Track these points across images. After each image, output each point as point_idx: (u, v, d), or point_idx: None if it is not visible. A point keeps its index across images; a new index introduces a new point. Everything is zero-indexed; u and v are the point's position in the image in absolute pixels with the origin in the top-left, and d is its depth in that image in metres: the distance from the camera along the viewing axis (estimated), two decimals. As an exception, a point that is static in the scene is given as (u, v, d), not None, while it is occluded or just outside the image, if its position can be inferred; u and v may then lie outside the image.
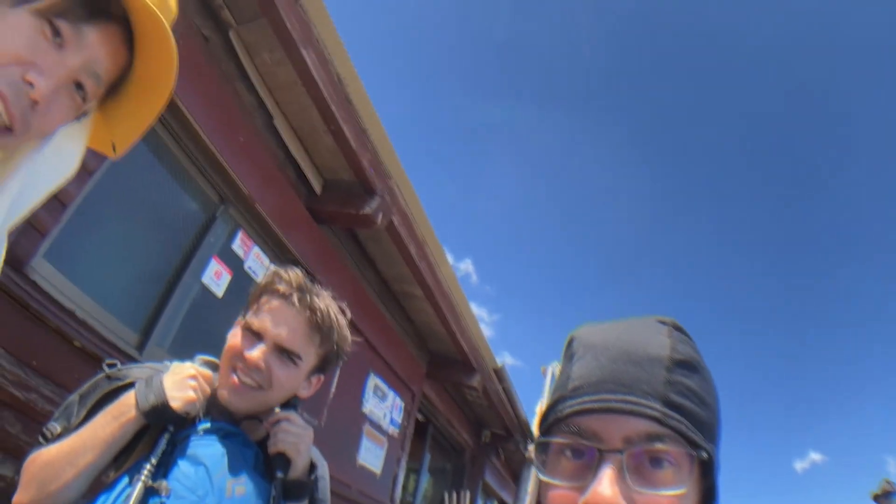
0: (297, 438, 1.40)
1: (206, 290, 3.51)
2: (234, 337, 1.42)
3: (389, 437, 6.08)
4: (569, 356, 0.78)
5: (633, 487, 0.63)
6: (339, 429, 5.09)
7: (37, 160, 0.88)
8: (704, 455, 0.66)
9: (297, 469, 1.40)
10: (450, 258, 5.89)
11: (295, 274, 1.47)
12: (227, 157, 3.44)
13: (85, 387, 1.40)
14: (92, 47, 0.84)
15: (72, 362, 2.64)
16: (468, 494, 8.95)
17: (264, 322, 1.40)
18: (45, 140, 0.89)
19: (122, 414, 1.26)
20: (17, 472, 1.28)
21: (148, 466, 1.20)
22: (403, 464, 6.66)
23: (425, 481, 8.47)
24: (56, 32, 0.79)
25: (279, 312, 1.41)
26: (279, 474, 1.36)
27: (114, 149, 1.02)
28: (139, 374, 1.40)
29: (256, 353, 1.37)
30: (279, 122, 4.05)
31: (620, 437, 0.65)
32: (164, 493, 1.18)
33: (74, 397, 1.38)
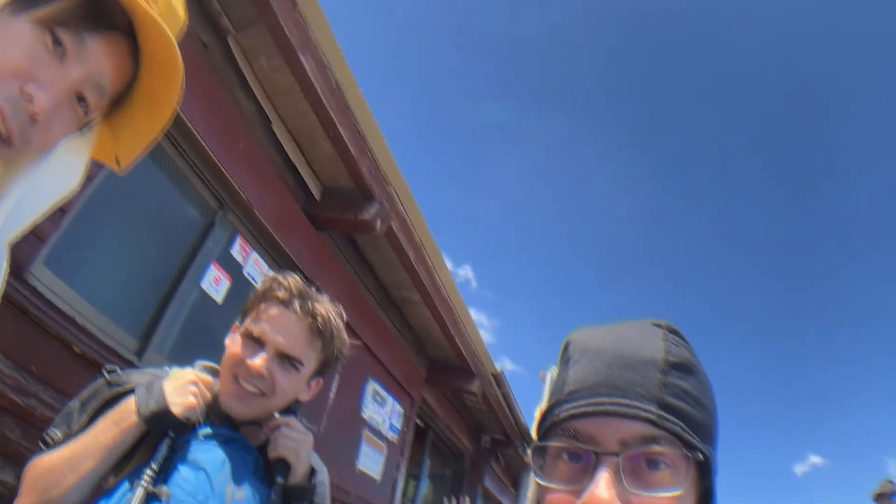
0: (296, 444, 1.40)
1: (205, 296, 3.51)
2: (235, 344, 1.43)
3: (389, 443, 6.07)
4: (565, 361, 0.78)
5: (629, 490, 0.63)
6: (339, 434, 5.08)
7: (38, 172, 0.85)
8: (700, 456, 0.66)
9: (297, 474, 1.40)
10: (449, 264, 5.89)
11: (294, 280, 1.48)
12: (226, 162, 3.45)
13: (85, 393, 1.40)
14: (95, 59, 0.80)
15: (71, 368, 2.64)
16: (468, 500, 8.94)
17: (265, 329, 1.40)
18: (47, 153, 0.85)
19: (122, 419, 1.26)
20: (18, 477, 1.28)
21: (149, 471, 1.20)
22: (403, 469, 6.65)
23: (425, 487, 8.46)
24: (57, 43, 0.76)
25: (280, 319, 1.42)
26: (279, 479, 1.37)
27: (118, 162, 0.99)
28: (139, 379, 1.40)
29: (259, 360, 1.37)
30: (278, 128, 4.06)
31: (616, 439, 0.66)
32: (164, 499, 1.19)
33: (75, 403, 1.39)
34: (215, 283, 3.56)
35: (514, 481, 12.04)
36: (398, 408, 6.25)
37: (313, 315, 1.44)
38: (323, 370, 1.54)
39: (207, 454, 1.31)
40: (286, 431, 1.41)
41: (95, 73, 0.81)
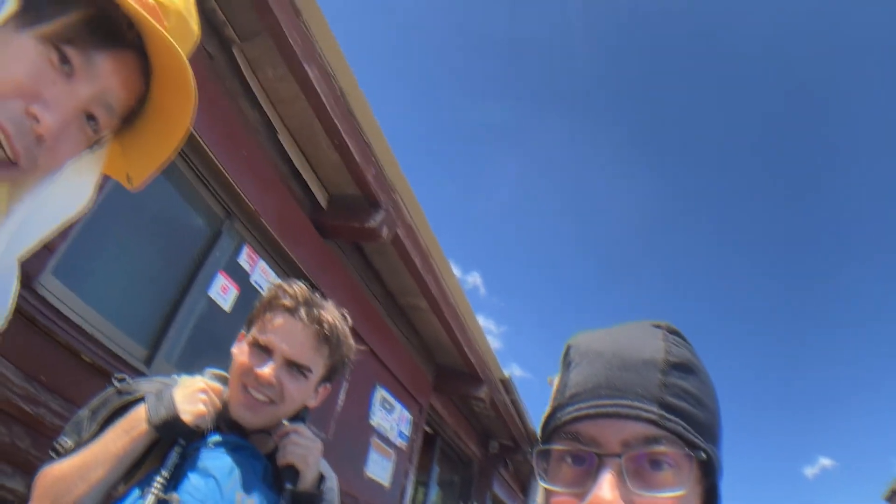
0: (305, 450, 1.41)
1: (212, 305, 3.52)
2: (242, 354, 1.43)
3: (397, 450, 6.06)
4: (566, 365, 0.79)
5: (632, 490, 0.63)
6: (347, 441, 5.08)
7: (47, 190, 0.82)
8: (703, 456, 0.66)
9: (307, 481, 1.40)
10: (457, 271, 5.91)
11: (299, 287, 1.48)
12: (232, 172, 3.46)
13: (95, 401, 1.41)
14: (104, 76, 0.77)
15: (80, 377, 2.65)
16: (477, 506, 8.92)
17: (272, 337, 1.41)
18: (56, 171, 0.82)
19: (133, 428, 1.27)
20: (28, 486, 1.29)
21: (159, 479, 1.21)
22: (412, 476, 6.64)
23: (434, 494, 8.44)
24: (64, 60, 0.73)
25: (287, 327, 1.42)
26: (288, 486, 1.37)
27: (129, 181, 0.96)
28: (149, 388, 1.41)
29: (268, 369, 1.38)
30: (283, 137, 4.07)
31: (618, 441, 0.66)
32: None
33: (85, 412, 1.39)
34: (223, 292, 3.58)
35: (523, 487, 12.01)
36: (406, 414, 6.25)
37: (319, 322, 1.44)
38: (330, 376, 1.55)
39: (217, 461, 1.32)
40: (295, 438, 1.41)
41: (105, 91, 0.78)
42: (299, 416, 1.52)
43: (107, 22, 0.76)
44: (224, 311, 3.58)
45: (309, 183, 4.41)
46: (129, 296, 3.09)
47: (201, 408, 1.32)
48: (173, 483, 1.24)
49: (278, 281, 1.55)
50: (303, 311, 1.44)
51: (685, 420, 0.68)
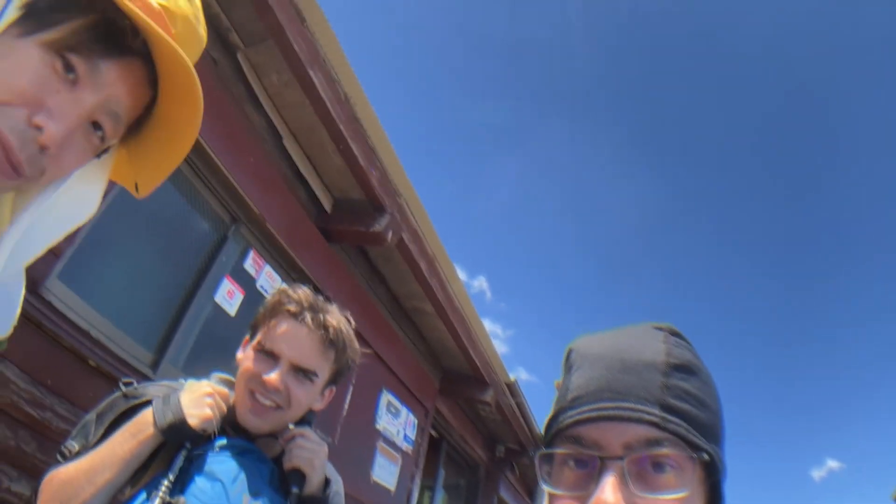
0: (311, 454, 1.41)
1: (218, 309, 3.53)
2: (248, 360, 1.44)
3: (403, 454, 6.06)
4: (567, 368, 0.79)
5: (635, 493, 0.63)
6: (353, 446, 5.08)
7: (53, 197, 0.81)
8: (706, 457, 0.66)
9: (312, 485, 1.41)
10: (463, 276, 5.91)
11: (304, 292, 1.49)
12: (238, 177, 3.47)
13: (102, 405, 1.42)
14: (110, 85, 0.76)
15: (86, 381, 2.66)
16: (483, 510, 8.90)
17: (278, 343, 1.41)
18: (62, 180, 0.81)
19: (139, 431, 1.28)
20: (34, 490, 1.29)
21: (166, 482, 1.21)
22: (417, 480, 6.63)
23: (440, 498, 8.42)
24: (69, 67, 0.72)
25: (292, 332, 1.43)
26: (294, 490, 1.37)
27: (137, 189, 0.94)
28: (156, 392, 1.41)
29: (275, 376, 1.38)
30: (288, 142, 4.08)
31: (620, 443, 0.66)
32: None
33: (91, 416, 1.40)
34: (229, 297, 3.59)
35: (530, 491, 11.98)
36: (412, 418, 6.24)
37: (325, 327, 1.45)
38: (336, 379, 1.55)
39: (223, 465, 1.32)
40: (301, 442, 1.41)
41: (110, 99, 0.77)
42: (305, 420, 1.53)
43: (111, 29, 0.75)
44: (230, 316, 3.59)
45: (314, 187, 4.42)
46: (135, 300, 3.10)
47: (208, 412, 1.32)
48: (179, 487, 1.25)
49: (282, 286, 1.55)
50: (308, 317, 1.44)
51: (687, 421, 0.67)
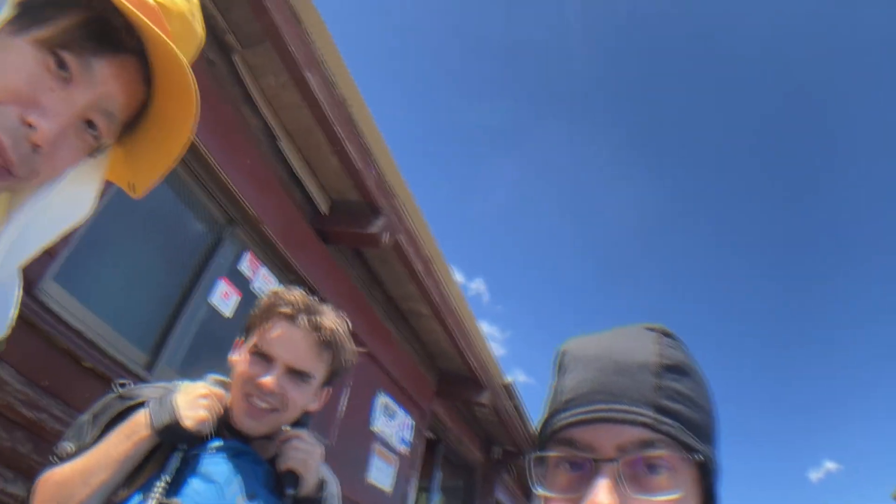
0: (307, 455, 1.41)
1: (214, 311, 3.52)
2: (243, 363, 1.43)
3: (399, 456, 6.05)
4: (560, 370, 0.78)
5: (629, 495, 0.63)
6: (349, 448, 5.08)
7: (47, 197, 0.80)
8: (700, 458, 0.66)
9: (308, 486, 1.41)
10: (461, 278, 5.92)
11: (298, 294, 1.49)
12: (234, 179, 3.47)
13: (97, 406, 1.42)
14: (103, 83, 0.75)
15: (81, 382, 2.65)
16: (479, 512, 8.89)
17: (273, 346, 1.41)
18: (56, 179, 0.80)
19: (134, 433, 1.28)
20: (29, 491, 1.29)
21: (161, 484, 1.22)
22: (414, 482, 6.62)
23: (436, 500, 8.42)
24: (62, 65, 0.70)
25: (287, 335, 1.43)
26: (289, 491, 1.37)
27: (133, 188, 0.93)
28: (151, 393, 1.41)
29: (270, 378, 1.38)
30: (285, 144, 4.08)
31: (614, 445, 0.66)
32: None
33: (86, 417, 1.40)
34: (224, 298, 3.58)
35: (527, 492, 11.97)
36: (409, 420, 6.24)
37: (319, 328, 1.45)
38: (332, 379, 1.55)
39: (219, 467, 1.32)
40: (296, 444, 1.41)
41: (104, 97, 0.76)
42: (301, 422, 1.53)
43: (106, 26, 0.74)
44: (225, 318, 3.59)
45: (310, 189, 4.42)
46: (130, 301, 3.10)
47: (203, 413, 1.32)
48: (175, 488, 1.25)
49: (276, 287, 1.55)
50: (303, 319, 1.44)
51: (680, 422, 0.67)
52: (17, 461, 2.40)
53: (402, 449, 6.12)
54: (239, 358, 1.47)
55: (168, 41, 0.73)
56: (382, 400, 5.67)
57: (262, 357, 1.41)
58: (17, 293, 0.90)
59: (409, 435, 6.26)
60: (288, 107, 3.87)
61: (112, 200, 2.76)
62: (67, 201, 0.85)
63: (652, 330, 0.77)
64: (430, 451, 7.81)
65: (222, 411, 1.41)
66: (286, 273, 4.18)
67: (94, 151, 0.82)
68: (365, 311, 5.21)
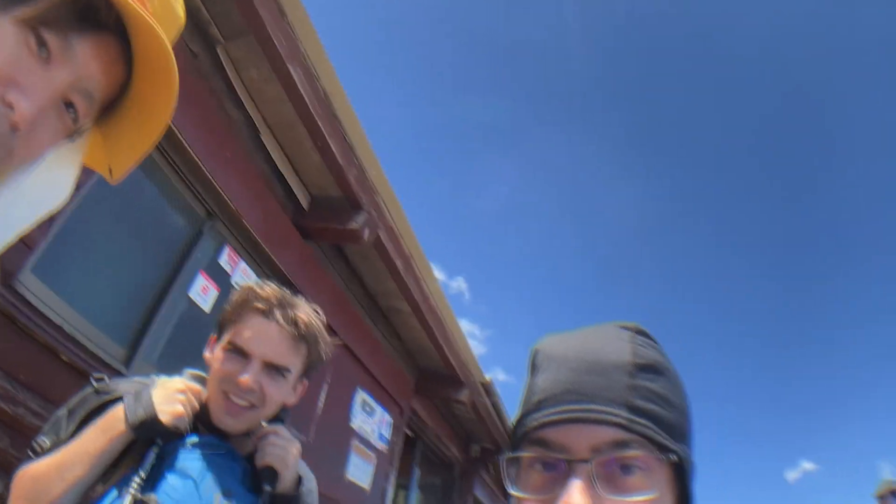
0: (284, 452, 1.41)
1: (193, 305, 3.50)
2: (219, 360, 1.42)
3: (378, 453, 6.05)
4: (533, 369, 0.78)
5: (603, 496, 0.63)
6: (328, 444, 5.07)
7: (24, 182, 0.78)
8: (674, 458, 0.66)
9: (285, 482, 1.40)
10: (442, 276, 5.93)
11: (271, 289, 1.48)
12: (215, 172, 3.45)
13: (73, 401, 1.40)
14: (83, 62, 0.73)
15: (59, 377, 2.63)
16: (457, 509, 8.91)
17: (249, 342, 1.40)
18: (33, 163, 0.78)
19: (110, 428, 1.27)
20: (7, 486, 1.28)
21: (137, 480, 1.21)
22: (392, 479, 6.62)
23: (415, 497, 8.43)
24: (42, 44, 0.69)
25: (263, 330, 1.42)
26: (267, 488, 1.37)
27: (111, 172, 0.90)
28: (127, 388, 1.40)
29: (249, 376, 1.37)
30: (266, 138, 4.06)
31: (587, 446, 0.66)
32: None
33: (63, 411, 1.39)
34: (203, 293, 3.56)
35: (505, 490, 12.00)
36: (387, 417, 6.24)
37: (295, 322, 1.44)
38: (308, 372, 1.55)
39: (195, 462, 1.31)
40: (273, 440, 1.41)
41: (83, 77, 0.74)
42: (278, 418, 1.52)
43: (86, 4, 0.72)
44: (204, 312, 3.57)
45: (291, 184, 4.41)
46: (108, 295, 3.08)
47: (179, 408, 1.31)
48: (151, 484, 1.24)
49: (247, 282, 1.54)
50: (277, 313, 1.44)
51: (654, 422, 0.67)
52: (-6, 456, 2.38)
53: (381, 446, 6.12)
54: (214, 355, 1.46)
55: (149, 20, 0.72)
56: (361, 397, 5.67)
57: (238, 353, 1.40)
58: None
59: (387, 432, 6.26)
60: (270, 100, 3.85)
61: (92, 193, 2.74)
62: (45, 186, 0.84)
63: (626, 328, 0.77)
64: (409, 449, 7.82)
65: (199, 407, 1.40)
66: (266, 268, 4.16)
67: (72, 134, 0.80)
68: (344, 307, 5.20)
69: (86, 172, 0.90)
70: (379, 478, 6.10)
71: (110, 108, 0.84)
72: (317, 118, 3.70)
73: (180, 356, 3.38)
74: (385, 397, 6.15)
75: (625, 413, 0.66)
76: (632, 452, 0.65)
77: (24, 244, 2.45)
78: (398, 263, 5.06)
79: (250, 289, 1.48)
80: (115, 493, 1.22)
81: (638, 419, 0.67)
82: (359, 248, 5.02)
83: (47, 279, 2.64)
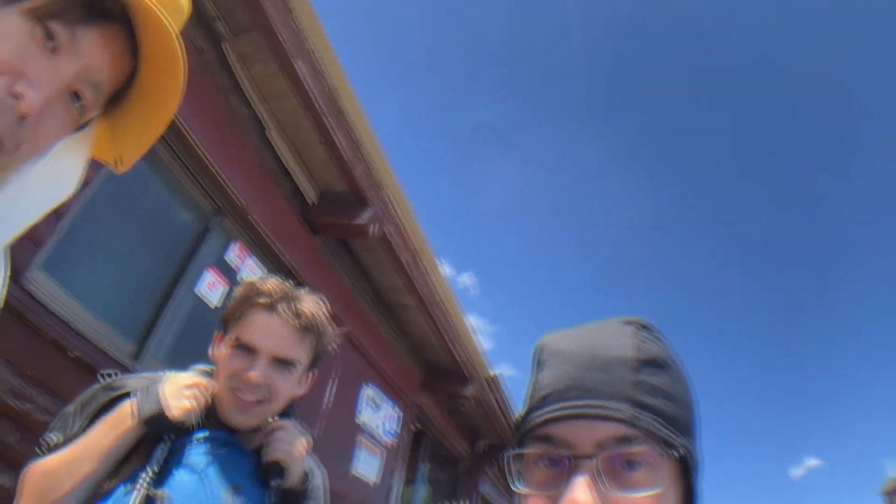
0: (292, 446, 1.41)
1: (201, 301, 3.51)
2: (227, 357, 1.42)
3: (385, 448, 6.06)
4: (537, 365, 0.78)
5: (608, 491, 0.63)
6: (335, 439, 5.08)
7: (33, 174, 0.78)
8: (679, 453, 0.66)
9: (293, 477, 1.40)
10: (451, 271, 5.92)
11: (273, 283, 1.48)
12: (222, 168, 3.46)
13: (83, 397, 1.41)
14: (90, 53, 0.73)
15: (68, 373, 2.64)
16: (464, 504, 8.92)
17: (255, 337, 1.40)
18: (41, 154, 0.78)
19: (120, 423, 1.27)
20: (16, 482, 1.28)
21: (146, 475, 1.21)
22: (399, 474, 6.64)
23: (421, 492, 8.44)
24: (49, 36, 0.69)
25: (268, 325, 1.42)
26: (275, 482, 1.37)
27: (118, 163, 0.91)
28: (136, 383, 1.40)
29: (257, 372, 1.37)
30: (273, 134, 4.07)
31: (591, 442, 0.65)
32: (162, 501, 1.19)
33: (72, 407, 1.39)
34: (211, 288, 3.57)
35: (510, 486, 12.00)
36: (394, 412, 6.25)
37: (299, 315, 1.44)
38: (315, 363, 1.55)
39: (204, 457, 1.32)
40: (282, 435, 1.41)
41: (90, 68, 0.74)
42: (287, 412, 1.52)
43: None
44: (212, 308, 3.57)
45: (298, 180, 4.41)
46: (117, 291, 3.09)
47: (188, 403, 1.31)
48: (160, 479, 1.24)
49: (249, 278, 1.54)
50: (281, 307, 1.43)
51: (659, 417, 0.67)
52: (3, 452, 2.39)
53: (388, 441, 6.13)
54: (220, 353, 1.46)
55: (155, 8, 0.73)
56: (368, 392, 5.68)
57: (245, 349, 1.40)
58: (4, 272, 0.88)
59: (394, 427, 6.27)
60: (276, 96, 3.85)
61: (100, 190, 2.75)
62: (53, 177, 0.85)
63: (629, 324, 0.76)
64: (416, 444, 7.82)
65: (208, 402, 1.40)
66: (273, 263, 4.17)
67: (79, 126, 0.81)
68: (351, 302, 5.21)
69: (93, 170, 0.91)
70: (386, 472, 6.11)
71: (116, 99, 0.84)
72: (322, 113, 3.70)
73: (189, 352, 3.39)
74: (392, 392, 6.16)
75: (628, 408, 0.66)
76: (636, 448, 0.65)
77: (33, 241, 2.46)
78: (404, 258, 5.06)
79: (252, 284, 1.47)
80: (124, 488, 1.22)
81: (642, 414, 0.66)
82: (365, 242, 5.02)
83: (55, 276, 2.65)
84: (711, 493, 0.74)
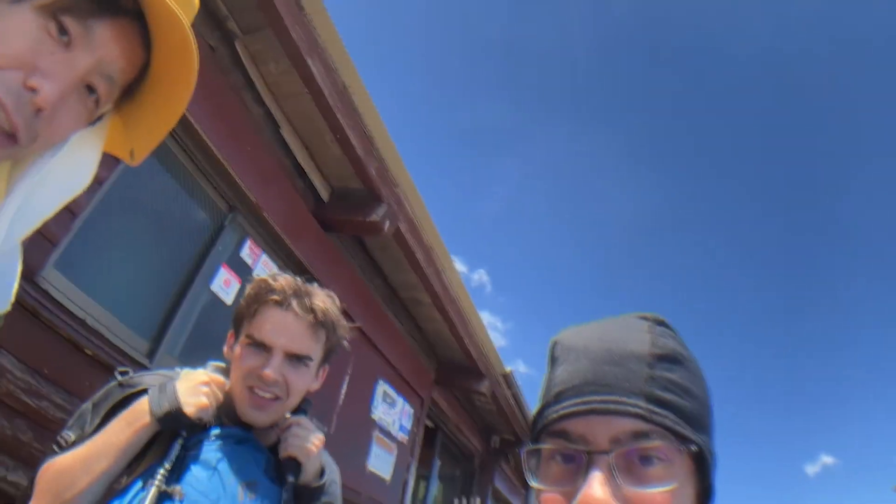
0: (307, 442, 1.41)
1: (215, 298, 3.53)
2: (241, 356, 1.43)
3: (399, 444, 6.07)
4: (552, 361, 0.77)
5: (623, 487, 0.62)
6: (349, 435, 5.09)
7: (48, 168, 0.80)
8: (694, 448, 0.66)
9: (308, 473, 1.40)
10: (464, 268, 5.91)
11: (284, 279, 1.48)
12: (235, 166, 3.46)
13: (98, 394, 1.41)
14: (103, 46, 0.74)
15: (83, 370, 2.66)
16: (478, 500, 8.93)
17: (268, 334, 1.40)
18: (56, 147, 0.79)
19: (135, 420, 1.27)
20: (31, 480, 1.29)
21: (162, 471, 1.21)
22: (413, 470, 6.65)
23: (435, 488, 8.45)
24: (62, 30, 0.70)
25: (281, 321, 1.42)
26: (290, 478, 1.37)
27: (132, 155, 0.92)
28: (152, 381, 1.41)
29: (272, 369, 1.38)
30: (286, 131, 4.07)
31: (607, 437, 0.65)
32: (177, 497, 1.20)
33: (88, 405, 1.40)
34: (225, 286, 3.58)
35: (524, 481, 12.00)
36: (408, 408, 6.26)
37: (312, 310, 1.44)
38: (328, 357, 1.55)
39: (219, 454, 1.32)
40: (296, 431, 1.41)
41: (104, 61, 0.75)
42: (302, 409, 1.53)
43: None
44: (226, 305, 3.59)
45: (311, 177, 4.42)
46: (131, 289, 3.10)
47: (203, 400, 1.32)
48: (175, 475, 1.25)
49: (260, 275, 1.54)
50: (293, 303, 1.44)
51: (674, 413, 0.67)
52: (18, 449, 2.40)
53: (402, 437, 6.14)
54: (234, 351, 1.46)
55: (168, 2, 0.73)
56: (382, 388, 5.69)
57: (259, 347, 1.41)
58: (17, 267, 0.89)
59: (408, 423, 6.28)
60: (289, 94, 3.86)
61: (113, 188, 2.76)
62: (68, 171, 0.85)
63: (644, 319, 0.76)
64: (430, 440, 7.84)
65: (223, 398, 1.40)
66: (287, 260, 4.18)
67: (93, 119, 0.82)
68: (365, 299, 5.21)
69: (107, 169, 0.91)
70: (399, 468, 6.12)
71: (129, 92, 0.85)
72: (336, 111, 3.70)
73: (203, 348, 3.40)
74: (406, 388, 6.17)
75: (644, 404, 0.66)
76: (652, 443, 0.64)
77: (48, 240, 2.47)
78: (419, 255, 5.06)
79: (264, 281, 1.48)
80: (139, 484, 1.22)
81: (658, 410, 0.66)
82: (379, 239, 5.03)
83: (70, 274, 2.67)
84: (725, 490, 0.73)
